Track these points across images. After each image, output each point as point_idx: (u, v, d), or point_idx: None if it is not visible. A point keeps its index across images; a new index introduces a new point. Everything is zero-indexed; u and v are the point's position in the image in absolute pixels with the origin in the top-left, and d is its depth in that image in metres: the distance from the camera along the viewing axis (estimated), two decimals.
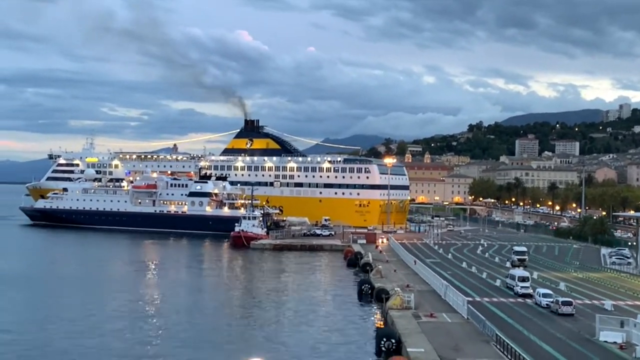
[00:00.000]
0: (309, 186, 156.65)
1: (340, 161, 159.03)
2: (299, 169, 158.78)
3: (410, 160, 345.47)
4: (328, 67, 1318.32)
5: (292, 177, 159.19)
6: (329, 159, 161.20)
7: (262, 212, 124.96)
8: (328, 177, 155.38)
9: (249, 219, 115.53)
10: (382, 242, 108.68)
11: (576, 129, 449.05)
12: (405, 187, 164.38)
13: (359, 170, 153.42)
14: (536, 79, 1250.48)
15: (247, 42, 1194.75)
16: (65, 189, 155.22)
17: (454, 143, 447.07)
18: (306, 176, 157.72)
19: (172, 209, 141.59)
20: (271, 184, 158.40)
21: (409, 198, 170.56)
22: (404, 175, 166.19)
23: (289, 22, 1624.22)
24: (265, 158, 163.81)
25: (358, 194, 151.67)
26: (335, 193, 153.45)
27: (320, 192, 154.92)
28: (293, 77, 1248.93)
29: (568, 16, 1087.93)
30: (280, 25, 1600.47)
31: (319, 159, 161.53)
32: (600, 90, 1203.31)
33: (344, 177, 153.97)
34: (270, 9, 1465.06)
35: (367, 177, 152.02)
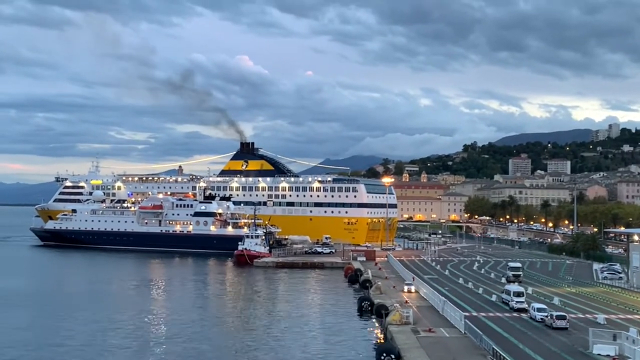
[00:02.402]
0: (300, 205, 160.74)
1: (329, 181, 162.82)
2: (290, 188, 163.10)
3: (407, 180, 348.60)
4: (327, 91, 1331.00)
5: (284, 196, 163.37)
6: (319, 178, 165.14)
7: (265, 231, 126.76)
8: (318, 196, 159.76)
9: (252, 237, 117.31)
10: (409, 290, 67.66)
11: (567, 149, 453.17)
12: (393, 206, 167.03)
13: (347, 189, 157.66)
14: (529, 100, 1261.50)
15: (248, 67, 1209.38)
16: (74, 210, 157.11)
17: (450, 163, 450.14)
18: (297, 195, 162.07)
19: (178, 228, 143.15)
20: (264, 203, 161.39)
21: (396, 216, 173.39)
22: (392, 194, 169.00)
23: (289, 47, 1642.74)
24: (259, 179, 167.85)
25: (346, 212, 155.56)
26: (325, 212, 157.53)
27: (311, 211, 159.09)
28: (294, 100, 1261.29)
29: (558, 39, 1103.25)
30: (280, 50, 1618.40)
31: (309, 179, 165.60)
32: (589, 110, 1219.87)
33: (332, 196, 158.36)
34: (270, 35, 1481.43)
35: (355, 196, 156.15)
